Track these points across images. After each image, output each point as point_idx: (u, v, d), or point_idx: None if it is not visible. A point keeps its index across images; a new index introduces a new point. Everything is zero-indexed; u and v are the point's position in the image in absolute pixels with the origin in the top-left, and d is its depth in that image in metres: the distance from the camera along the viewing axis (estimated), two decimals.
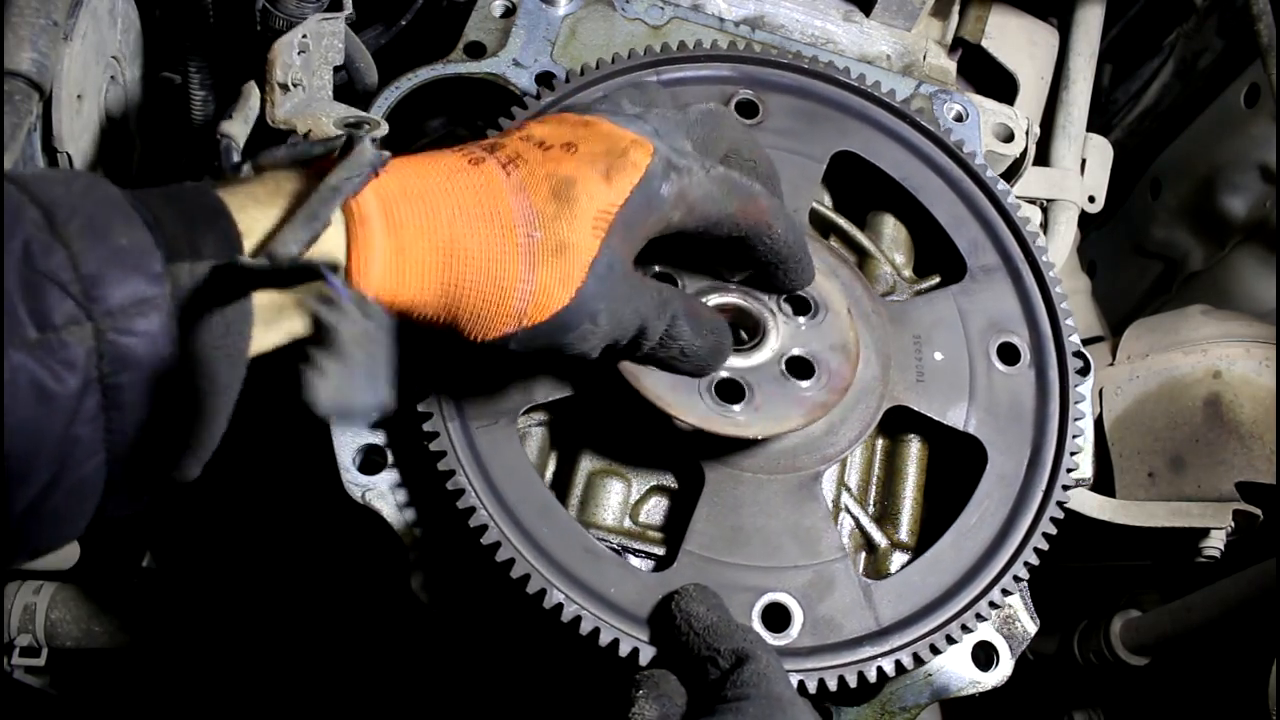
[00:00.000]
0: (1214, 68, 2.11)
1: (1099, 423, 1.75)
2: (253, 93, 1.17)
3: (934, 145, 1.30)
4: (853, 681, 1.02)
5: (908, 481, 1.22)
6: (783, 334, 1.11)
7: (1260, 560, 1.53)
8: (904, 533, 1.19)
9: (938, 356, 1.19)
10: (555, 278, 0.87)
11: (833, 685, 1.01)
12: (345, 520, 1.15)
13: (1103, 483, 1.72)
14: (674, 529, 1.12)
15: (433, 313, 0.86)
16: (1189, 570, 1.71)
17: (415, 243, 0.83)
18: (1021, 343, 1.21)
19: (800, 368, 1.09)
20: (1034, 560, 1.10)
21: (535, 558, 1.02)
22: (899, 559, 1.17)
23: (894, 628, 1.06)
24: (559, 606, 1.00)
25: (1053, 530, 1.12)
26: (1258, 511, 1.64)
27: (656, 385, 1.04)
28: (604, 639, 1.00)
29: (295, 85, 1.15)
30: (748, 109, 1.29)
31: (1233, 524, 1.64)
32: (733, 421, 1.04)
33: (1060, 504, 1.13)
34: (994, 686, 1.15)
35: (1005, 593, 1.09)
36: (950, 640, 1.06)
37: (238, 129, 1.15)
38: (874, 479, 1.23)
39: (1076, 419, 1.17)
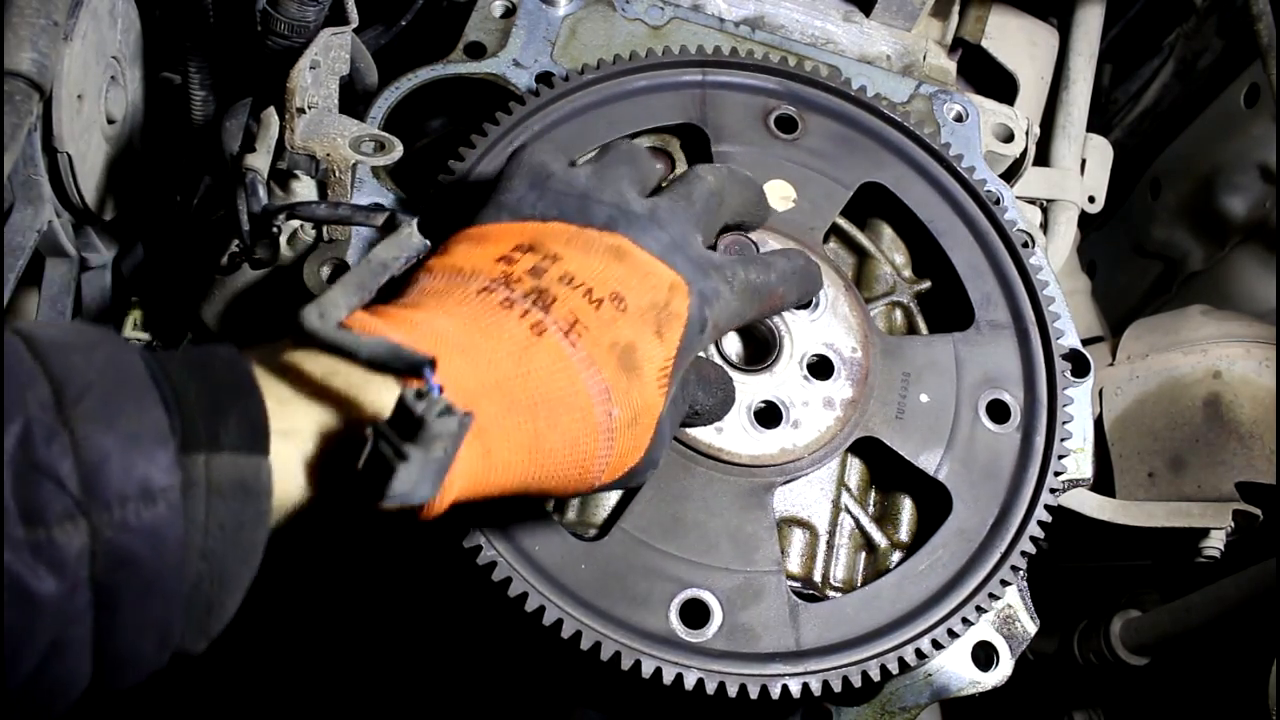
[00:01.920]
0: (1214, 68, 2.12)
1: (1099, 423, 1.75)
2: (273, 121, 1.17)
3: (964, 190, 1.29)
4: (754, 693, 1.01)
5: None
6: (795, 336, 1.16)
7: (1260, 560, 1.53)
8: (904, 533, 1.19)
9: (923, 398, 1.18)
10: (630, 446, 0.88)
11: (732, 692, 1.01)
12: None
13: (1103, 483, 1.72)
14: (618, 508, 1.12)
15: (510, 494, 0.85)
16: (1189, 570, 1.71)
17: (500, 444, 0.80)
18: (1014, 403, 1.19)
19: (821, 368, 1.15)
20: (972, 617, 1.09)
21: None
22: (899, 559, 1.17)
23: (812, 653, 1.05)
24: (477, 549, 1.01)
25: (1000, 592, 1.11)
26: (1258, 511, 1.64)
27: (700, 433, 1.10)
28: (513, 590, 1.01)
29: (311, 107, 1.16)
30: (787, 124, 1.29)
31: (1233, 524, 1.64)
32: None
33: (1015, 568, 1.11)
34: (994, 686, 1.15)
35: (936, 644, 1.07)
36: (865, 677, 1.04)
37: (261, 161, 1.15)
38: (874, 479, 1.23)
39: (1053, 489, 1.15)
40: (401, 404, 0.68)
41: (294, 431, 0.73)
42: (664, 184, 1.06)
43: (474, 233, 0.94)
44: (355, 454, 0.71)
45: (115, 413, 0.64)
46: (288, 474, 0.72)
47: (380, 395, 0.76)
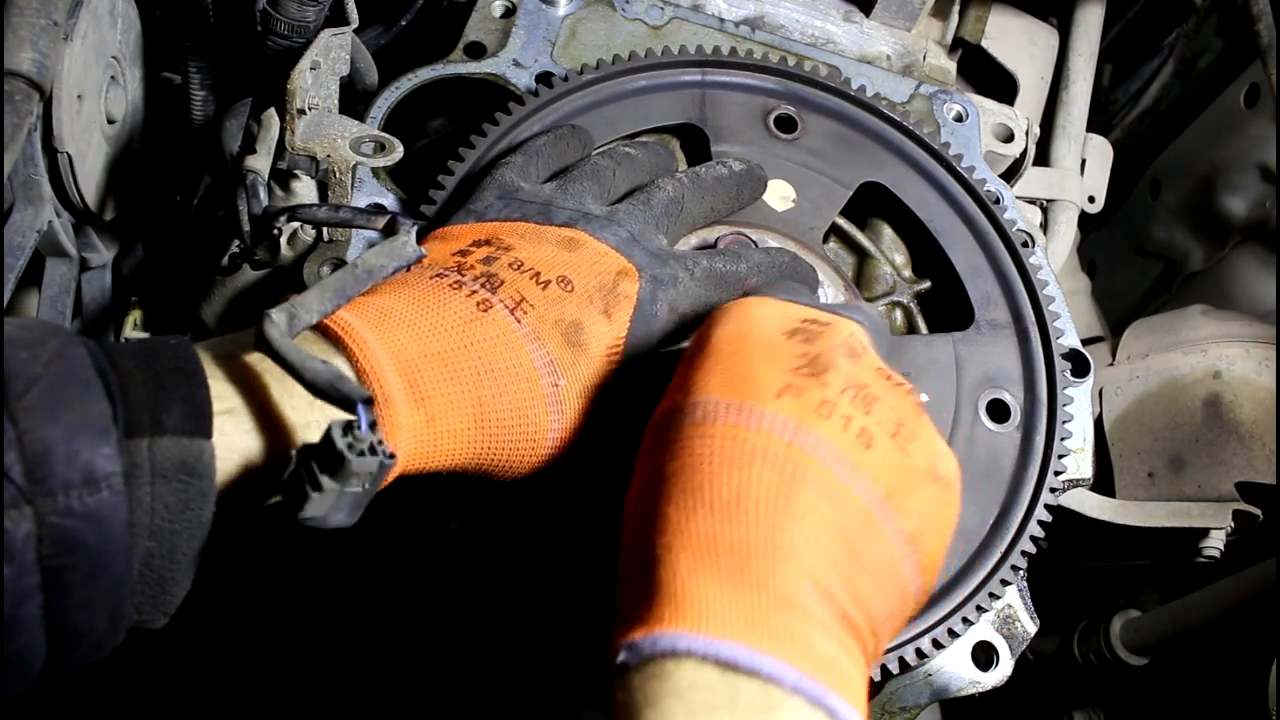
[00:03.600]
0: (1214, 68, 2.11)
1: (1099, 423, 1.75)
2: (274, 123, 1.17)
3: (964, 190, 1.29)
4: None
5: None
6: None
7: (1260, 560, 1.53)
8: None
9: (923, 398, 1.17)
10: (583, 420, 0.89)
11: None
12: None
13: (1103, 483, 1.72)
14: None
15: (461, 469, 0.87)
16: (1189, 570, 1.71)
17: (444, 412, 0.82)
18: (1014, 403, 1.19)
19: None
20: (973, 617, 1.09)
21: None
22: None
23: None
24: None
25: (1000, 592, 1.11)
26: (1257, 511, 1.64)
27: None
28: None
29: (311, 108, 1.16)
30: (787, 124, 1.29)
31: (1232, 524, 1.64)
32: None
33: (1015, 568, 1.11)
34: (994, 686, 1.15)
35: (936, 644, 1.07)
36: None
37: (262, 163, 1.15)
38: None
39: (1053, 489, 1.15)
40: (327, 436, 0.71)
41: (238, 410, 0.76)
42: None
43: (438, 233, 0.98)
44: (283, 462, 0.74)
45: (59, 405, 0.67)
46: (232, 450, 0.75)
47: (316, 408, 0.78)
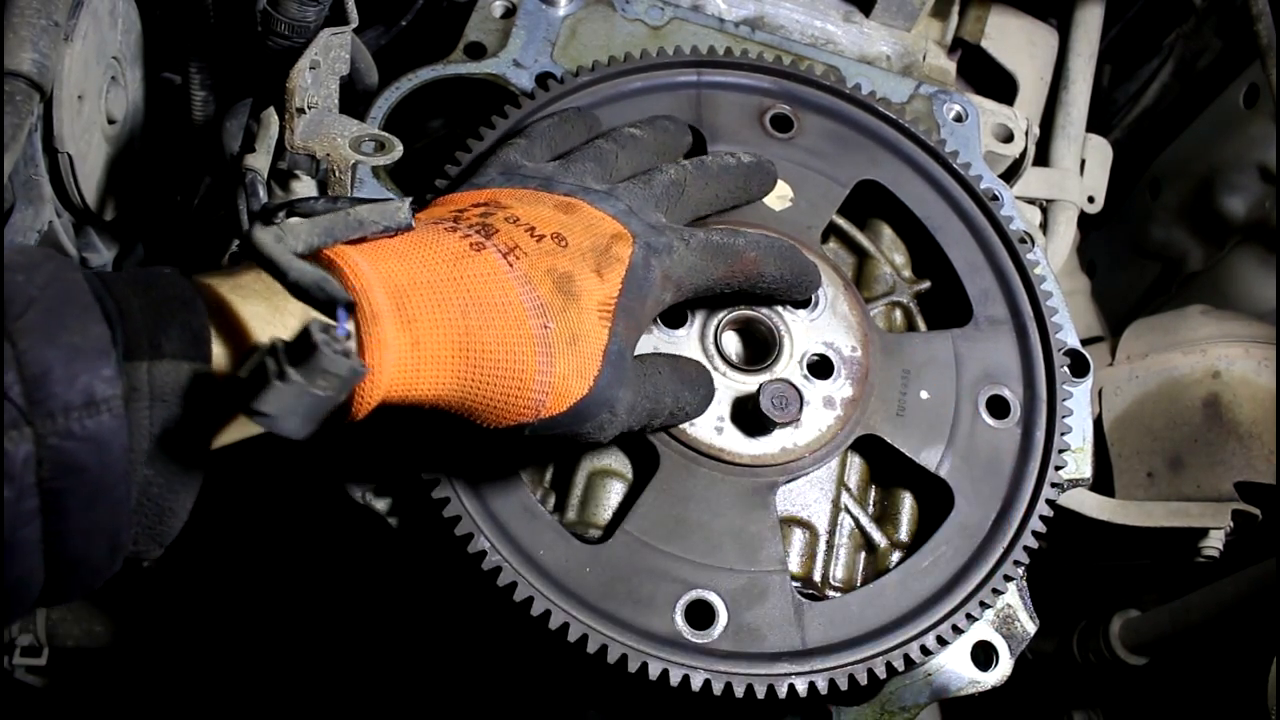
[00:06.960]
0: (1213, 68, 2.12)
1: (1098, 423, 1.75)
2: (273, 122, 1.17)
3: (960, 187, 1.30)
4: (761, 693, 1.01)
5: None
6: (795, 335, 1.16)
7: (1259, 560, 1.53)
8: (904, 533, 1.19)
9: (923, 395, 1.18)
10: (573, 369, 0.88)
11: (739, 692, 1.00)
12: (345, 520, 1.15)
13: (1102, 483, 1.73)
14: (621, 510, 1.12)
15: (446, 404, 0.86)
16: (1189, 570, 1.71)
17: (430, 336, 0.81)
18: (1014, 398, 1.19)
19: (821, 368, 1.15)
20: (976, 613, 1.09)
21: (472, 505, 1.03)
22: (898, 559, 1.17)
23: (818, 651, 1.04)
24: (482, 554, 1.01)
25: (1004, 587, 1.11)
26: (1256, 511, 1.64)
27: (702, 434, 1.10)
28: (518, 595, 1.00)
29: (311, 107, 1.16)
30: (782, 123, 1.29)
31: (1231, 524, 1.64)
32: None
33: (1018, 563, 1.12)
34: (993, 686, 1.15)
35: (941, 640, 1.07)
36: (871, 675, 1.04)
37: (261, 161, 1.15)
38: (875, 477, 1.23)
39: (1054, 484, 1.15)
40: (304, 331, 0.69)
41: (231, 336, 0.76)
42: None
43: (439, 200, 1.00)
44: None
45: (57, 327, 0.66)
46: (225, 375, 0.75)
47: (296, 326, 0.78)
